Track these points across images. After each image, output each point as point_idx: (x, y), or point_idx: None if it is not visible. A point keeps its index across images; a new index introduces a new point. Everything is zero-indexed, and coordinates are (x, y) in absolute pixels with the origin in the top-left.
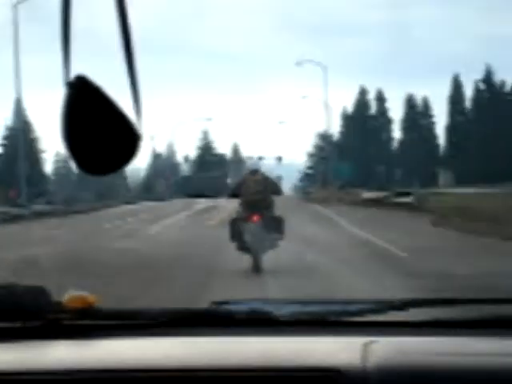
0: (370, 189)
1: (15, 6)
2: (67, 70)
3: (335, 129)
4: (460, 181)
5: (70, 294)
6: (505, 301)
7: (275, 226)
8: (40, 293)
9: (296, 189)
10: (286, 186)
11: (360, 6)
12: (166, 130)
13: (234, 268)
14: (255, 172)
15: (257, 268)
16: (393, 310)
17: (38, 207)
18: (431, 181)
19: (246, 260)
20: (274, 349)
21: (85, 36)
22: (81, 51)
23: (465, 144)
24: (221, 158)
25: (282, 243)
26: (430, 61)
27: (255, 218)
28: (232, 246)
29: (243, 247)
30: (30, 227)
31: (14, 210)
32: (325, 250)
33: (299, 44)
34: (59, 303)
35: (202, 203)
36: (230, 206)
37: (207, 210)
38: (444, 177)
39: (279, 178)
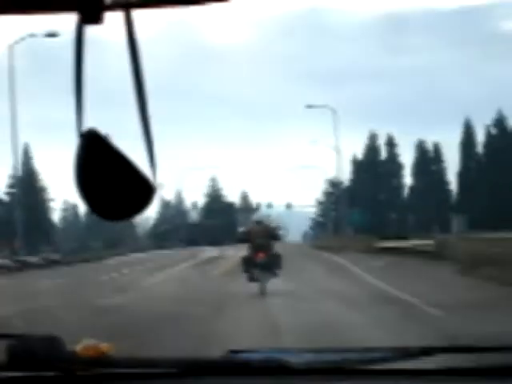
0: (384, 236)
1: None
2: (80, 122)
3: (345, 175)
4: (473, 226)
5: (83, 343)
6: None
7: (275, 261)
8: (53, 342)
9: (307, 236)
10: (297, 234)
11: (369, 52)
12: (174, 177)
13: (234, 336)
14: (259, 222)
15: (263, 292)
16: (409, 357)
17: (33, 259)
18: (444, 227)
19: (254, 286)
20: None
21: (96, 85)
22: (93, 101)
23: (477, 189)
24: (229, 206)
25: (297, 298)
26: (441, 106)
27: (260, 255)
28: (236, 306)
29: (252, 278)
30: (18, 279)
31: (6, 262)
32: (342, 307)
33: (309, 91)
34: (73, 352)
35: (209, 251)
36: (236, 256)
37: (212, 259)
38: (457, 222)
39: (279, 227)
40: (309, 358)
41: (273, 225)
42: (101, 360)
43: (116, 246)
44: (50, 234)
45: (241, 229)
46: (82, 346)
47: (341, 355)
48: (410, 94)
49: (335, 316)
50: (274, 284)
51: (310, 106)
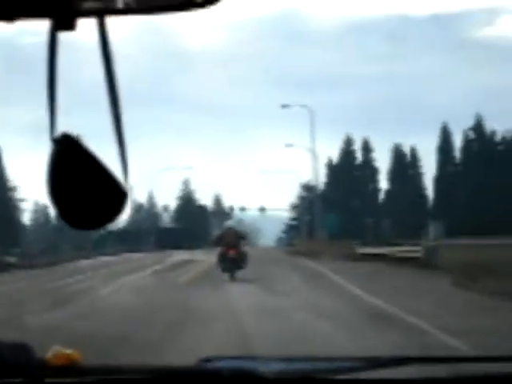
0: (365, 241)
1: None
2: (53, 126)
3: (320, 179)
4: (450, 233)
5: (53, 351)
6: (498, 359)
7: (242, 257)
8: (22, 349)
9: (280, 241)
10: (270, 238)
11: (344, 57)
12: (145, 178)
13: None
14: (230, 228)
15: (232, 279)
16: (380, 367)
17: None
18: (420, 232)
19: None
20: None
21: (69, 88)
22: (66, 104)
23: (454, 195)
24: (202, 209)
25: (271, 315)
26: (418, 110)
27: (231, 252)
28: (198, 323)
29: (225, 268)
30: None
31: None
32: (327, 329)
33: (284, 94)
34: (43, 360)
35: (179, 255)
36: (207, 261)
37: (180, 264)
38: (434, 228)
39: (246, 231)
40: (281, 366)
41: (241, 229)
42: (71, 368)
43: (86, 248)
44: (18, 234)
45: (214, 233)
46: (51, 353)
47: (311, 364)
48: (387, 98)
49: (320, 342)
50: (246, 298)
51: (285, 106)
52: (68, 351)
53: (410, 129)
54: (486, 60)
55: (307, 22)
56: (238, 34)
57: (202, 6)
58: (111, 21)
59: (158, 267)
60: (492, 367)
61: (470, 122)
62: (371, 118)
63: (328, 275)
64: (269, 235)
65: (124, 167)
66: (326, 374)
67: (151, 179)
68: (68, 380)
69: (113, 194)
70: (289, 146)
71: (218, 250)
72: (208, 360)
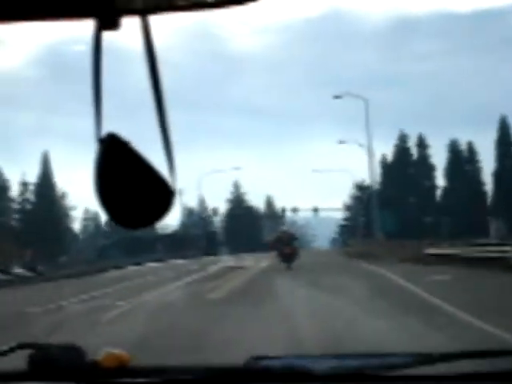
0: (433, 240)
1: None
2: (98, 127)
3: (374, 177)
4: None
5: (104, 353)
6: None
7: (296, 252)
8: (74, 352)
9: (334, 242)
10: (324, 240)
11: (395, 57)
12: (195, 182)
13: None
14: (284, 232)
15: (289, 268)
16: (431, 362)
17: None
18: (481, 231)
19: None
20: None
21: (115, 93)
22: (112, 108)
23: None
24: (253, 211)
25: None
26: (473, 106)
27: (287, 249)
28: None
29: (283, 260)
30: None
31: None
32: None
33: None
34: (94, 362)
35: (224, 261)
36: (255, 267)
37: (223, 272)
38: (496, 226)
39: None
40: (330, 363)
41: (293, 232)
42: (122, 370)
43: (135, 256)
44: (68, 243)
45: (267, 237)
46: (102, 355)
47: (363, 360)
48: (439, 96)
49: None
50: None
51: (337, 97)
52: (118, 352)
53: (467, 123)
54: None
55: (356, 22)
56: (285, 35)
57: (244, 2)
58: (159, 23)
59: (196, 276)
60: None
61: None
62: (425, 115)
63: (400, 285)
64: (322, 237)
65: (170, 166)
66: (377, 371)
67: (200, 182)
68: (120, 381)
69: (160, 192)
70: (342, 142)
71: (269, 255)
72: (258, 358)
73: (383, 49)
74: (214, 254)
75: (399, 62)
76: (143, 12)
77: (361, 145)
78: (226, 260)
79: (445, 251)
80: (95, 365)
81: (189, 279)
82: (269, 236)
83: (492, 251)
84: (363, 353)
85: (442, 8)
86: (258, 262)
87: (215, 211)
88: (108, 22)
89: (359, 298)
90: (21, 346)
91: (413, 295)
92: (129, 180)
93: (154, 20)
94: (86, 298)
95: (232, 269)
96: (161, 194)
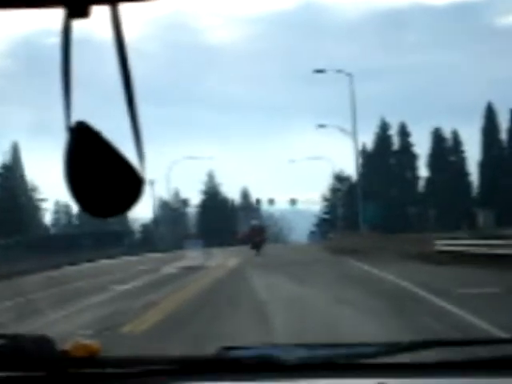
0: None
1: None
2: (68, 116)
3: (352, 168)
4: (500, 222)
5: (74, 343)
6: None
7: (264, 241)
8: (44, 342)
9: (313, 236)
10: (302, 233)
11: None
12: (168, 174)
13: None
14: (255, 225)
15: (257, 255)
16: (401, 351)
17: None
18: (468, 222)
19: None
20: None
21: (86, 83)
22: (82, 97)
23: (503, 180)
24: (228, 203)
25: None
26: (458, 94)
27: (257, 238)
28: None
29: (253, 247)
30: None
31: None
32: None
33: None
34: (64, 352)
35: (189, 258)
36: (223, 266)
37: (182, 274)
38: (484, 217)
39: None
40: (301, 353)
41: (263, 224)
42: (91, 360)
43: (106, 248)
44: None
45: (241, 230)
46: (72, 345)
47: (332, 350)
48: (420, 86)
49: None
50: None
51: (320, 71)
52: (88, 342)
53: (451, 113)
54: None
55: (334, 13)
56: (259, 26)
57: None
58: (132, 13)
59: (148, 279)
60: (509, 349)
61: None
62: (407, 105)
63: (424, 300)
64: (300, 230)
65: (140, 155)
66: (346, 360)
67: (172, 171)
68: (90, 371)
69: (130, 180)
70: (321, 126)
71: (242, 250)
72: (229, 348)
73: (362, 40)
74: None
75: (379, 54)
76: (113, 0)
77: (342, 129)
78: (190, 257)
79: (463, 248)
80: (64, 355)
81: (116, 291)
82: (241, 233)
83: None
84: (333, 343)
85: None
86: (227, 260)
87: (186, 202)
88: (77, 10)
89: (368, 333)
90: None
91: (466, 325)
92: (98, 168)
93: (127, 9)
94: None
95: (191, 270)
96: (130, 183)
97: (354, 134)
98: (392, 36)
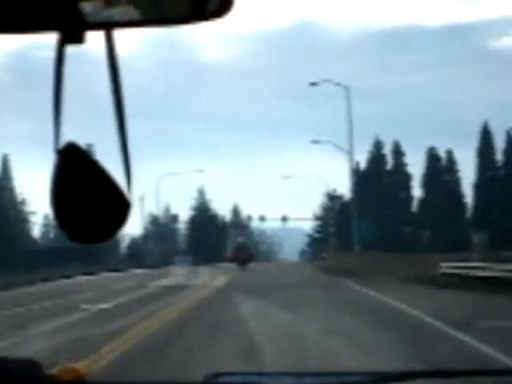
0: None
1: None
2: (57, 138)
3: (345, 186)
4: (494, 245)
5: (60, 366)
6: (504, 372)
7: (249, 258)
8: (31, 365)
9: (304, 254)
10: (292, 252)
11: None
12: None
13: None
14: (241, 242)
15: (243, 269)
16: (391, 381)
17: None
18: (462, 244)
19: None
20: None
21: (77, 101)
22: (72, 115)
23: (498, 202)
24: (218, 219)
25: None
26: (453, 115)
27: (242, 255)
28: None
29: (239, 264)
30: None
31: None
32: None
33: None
34: (51, 376)
35: (174, 276)
36: (206, 286)
37: (161, 293)
38: (478, 239)
39: (249, 244)
40: (289, 381)
41: (246, 242)
42: (78, 383)
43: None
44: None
45: (229, 248)
46: (59, 369)
47: (321, 379)
48: (418, 101)
49: None
50: None
51: (314, 84)
52: (74, 366)
53: (445, 131)
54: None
55: (328, 33)
56: (253, 44)
57: (209, 18)
58: (123, 34)
59: (123, 299)
60: (499, 381)
61: None
62: (402, 125)
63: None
64: (290, 248)
65: (128, 178)
66: None
67: (161, 185)
68: None
69: (116, 205)
70: (315, 142)
71: (230, 268)
72: (217, 375)
73: (358, 59)
74: (173, 264)
75: (375, 73)
76: (108, 26)
77: (337, 146)
78: (177, 274)
79: (474, 272)
80: (51, 379)
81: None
82: (229, 251)
83: None
84: (322, 372)
85: (418, 22)
86: (213, 279)
87: (175, 218)
88: (73, 36)
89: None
90: None
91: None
92: (85, 192)
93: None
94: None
95: (172, 289)
96: (118, 207)
97: (350, 151)
98: (387, 56)
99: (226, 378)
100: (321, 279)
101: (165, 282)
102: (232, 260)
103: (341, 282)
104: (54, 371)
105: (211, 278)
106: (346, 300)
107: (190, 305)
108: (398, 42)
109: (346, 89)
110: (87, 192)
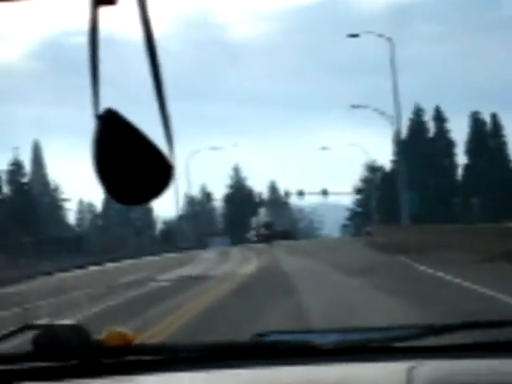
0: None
1: None
2: (96, 103)
3: (386, 157)
4: None
5: (108, 332)
6: None
7: (274, 236)
8: (79, 331)
9: (345, 230)
10: (333, 227)
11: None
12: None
13: None
14: (266, 221)
15: (270, 245)
16: (434, 334)
17: None
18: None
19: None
20: (318, 378)
21: (115, 79)
22: (110, 91)
23: None
24: (254, 197)
25: None
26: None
27: (268, 232)
28: None
29: (261, 241)
30: None
31: None
32: None
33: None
34: (99, 341)
35: (200, 262)
36: (238, 274)
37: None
38: None
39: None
40: (334, 338)
41: (271, 221)
42: (126, 348)
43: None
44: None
45: (256, 227)
46: (106, 334)
47: (367, 334)
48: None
49: None
50: None
51: (354, 35)
52: (122, 331)
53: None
54: None
55: (354, 7)
56: (283, 21)
57: None
58: (156, 12)
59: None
60: None
61: None
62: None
63: None
64: (331, 224)
65: (169, 140)
66: (380, 343)
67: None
68: (125, 359)
69: (159, 167)
70: (355, 107)
71: (264, 250)
72: (263, 334)
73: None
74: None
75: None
76: None
77: (375, 109)
78: (202, 259)
79: None
80: (100, 344)
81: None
82: (256, 228)
83: None
84: (366, 327)
85: None
86: (242, 265)
87: (209, 197)
88: None
89: None
90: (26, 328)
91: None
92: (127, 155)
93: (150, 6)
94: None
95: (192, 280)
96: (160, 169)
97: (397, 111)
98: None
99: (273, 336)
100: (377, 260)
101: (182, 272)
102: (258, 239)
103: (399, 262)
104: (102, 336)
105: (238, 266)
106: (425, 293)
107: (200, 309)
108: (429, 11)
109: (390, 40)
110: (129, 154)
